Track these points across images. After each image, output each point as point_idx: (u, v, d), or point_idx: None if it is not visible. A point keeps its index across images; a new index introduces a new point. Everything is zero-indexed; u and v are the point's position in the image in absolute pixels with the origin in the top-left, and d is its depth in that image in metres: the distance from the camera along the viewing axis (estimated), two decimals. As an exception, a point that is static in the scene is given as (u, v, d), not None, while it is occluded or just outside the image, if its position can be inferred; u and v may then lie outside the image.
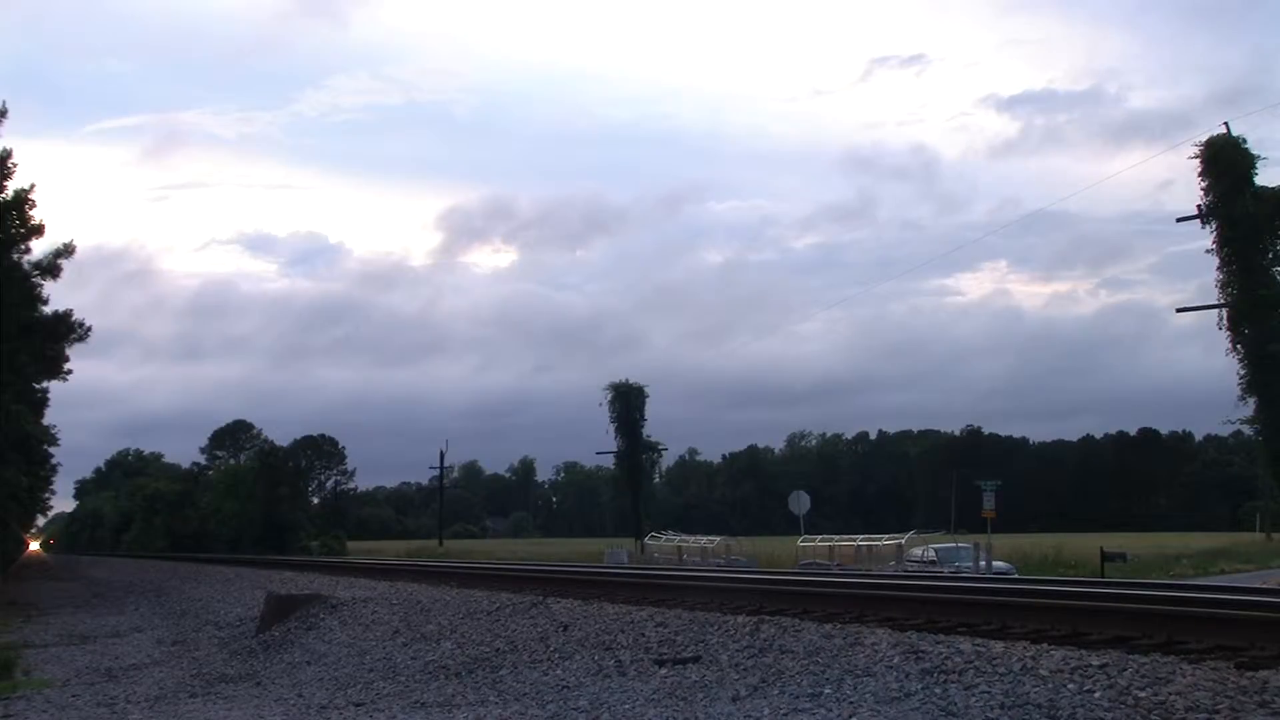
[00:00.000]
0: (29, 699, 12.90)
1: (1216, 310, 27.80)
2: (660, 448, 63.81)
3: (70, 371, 42.49)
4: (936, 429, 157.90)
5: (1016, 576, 23.69)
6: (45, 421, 50.45)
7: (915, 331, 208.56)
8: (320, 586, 22.89)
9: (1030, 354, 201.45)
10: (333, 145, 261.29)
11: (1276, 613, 8.14)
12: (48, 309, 38.00)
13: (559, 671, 10.60)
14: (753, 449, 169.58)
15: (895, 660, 8.41)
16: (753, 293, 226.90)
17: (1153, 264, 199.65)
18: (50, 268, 35.62)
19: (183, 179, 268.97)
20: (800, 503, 43.90)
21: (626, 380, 59.21)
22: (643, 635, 11.19)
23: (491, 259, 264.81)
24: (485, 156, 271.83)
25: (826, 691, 7.99)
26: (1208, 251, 27.95)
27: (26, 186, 33.28)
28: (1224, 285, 27.58)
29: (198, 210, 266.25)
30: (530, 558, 47.48)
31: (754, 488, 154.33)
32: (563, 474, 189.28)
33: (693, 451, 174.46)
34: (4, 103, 32.30)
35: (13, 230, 33.10)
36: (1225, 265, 27.56)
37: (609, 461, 64.51)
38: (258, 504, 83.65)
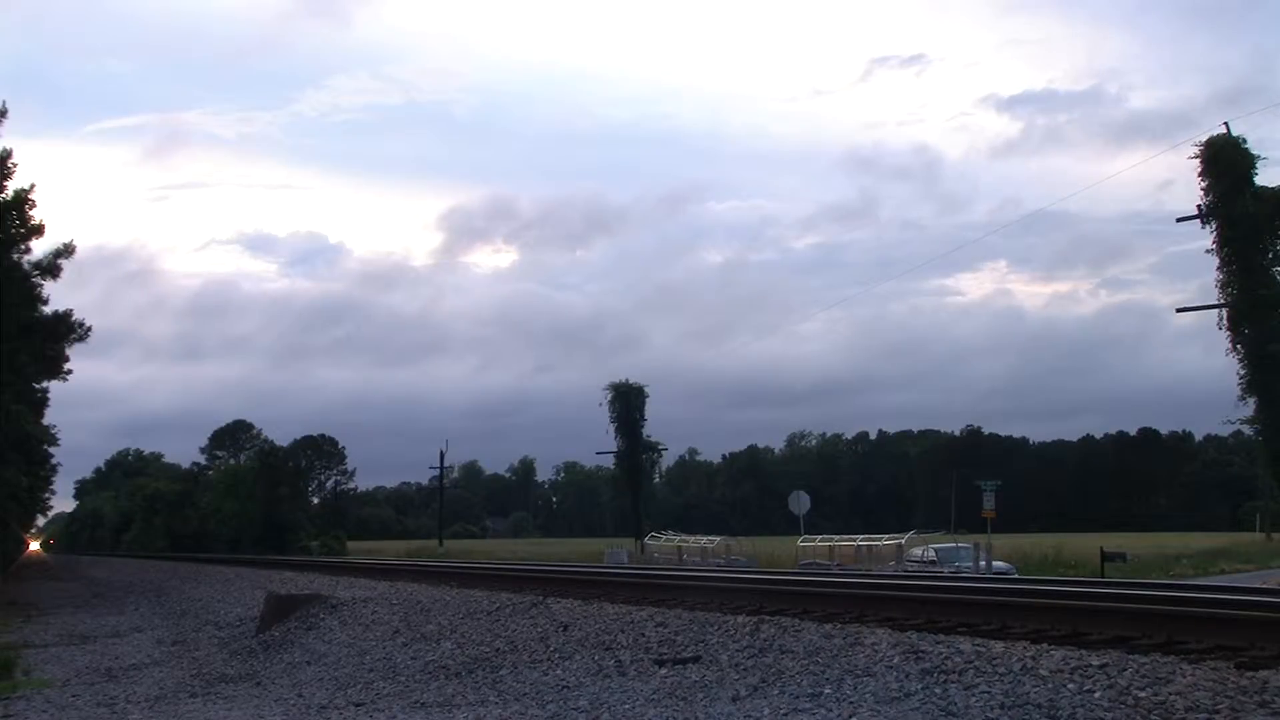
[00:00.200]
0: (29, 699, 12.90)
1: (1216, 310, 27.80)
2: (660, 448, 63.89)
3: (70, 371, 42.57)
4: (936, 429, 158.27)
5: (1016, 576, 23.70)
6: (45, 421, 50.52)
7: (915, 331, 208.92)
8: (320, 586, 22.89)
9: (1030, 354, 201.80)
10: (333, 145, 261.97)
11: (1276, 613, 8.13)
12: (48, 309, 38.04)
13: (559, 671, 10.60)
14: (753, 449, 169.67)
15: (895, 660, 8.41)
16: (753, 293, 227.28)
17: (1153, 264, 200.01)
18: (50, 268, 35.61)
19: (183, 179, 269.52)
20: (800, 503, 43.90)
21: (626, 380, 59.34)
22: (643, 635, 11.19)
23: (492, 259, 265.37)
24: (486, 156, 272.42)
25: (826, 691, 7.99)
26: (1208, 251, 27.99)
27: (26, 186, 33.34)
28: (1224, 285, 27.58)
29: (198, 210, 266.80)
30: (530, 558, 47.51)
31: (754, 488, 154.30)
32: (563, 474, 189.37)
33: (693, 451, 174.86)
34: (4, 103, 32.36)
35: (13, 230, 33.10)
36: (1225, 265, 27.56)
37: (609, 461, 64.58)
38: (258, 504, 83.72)
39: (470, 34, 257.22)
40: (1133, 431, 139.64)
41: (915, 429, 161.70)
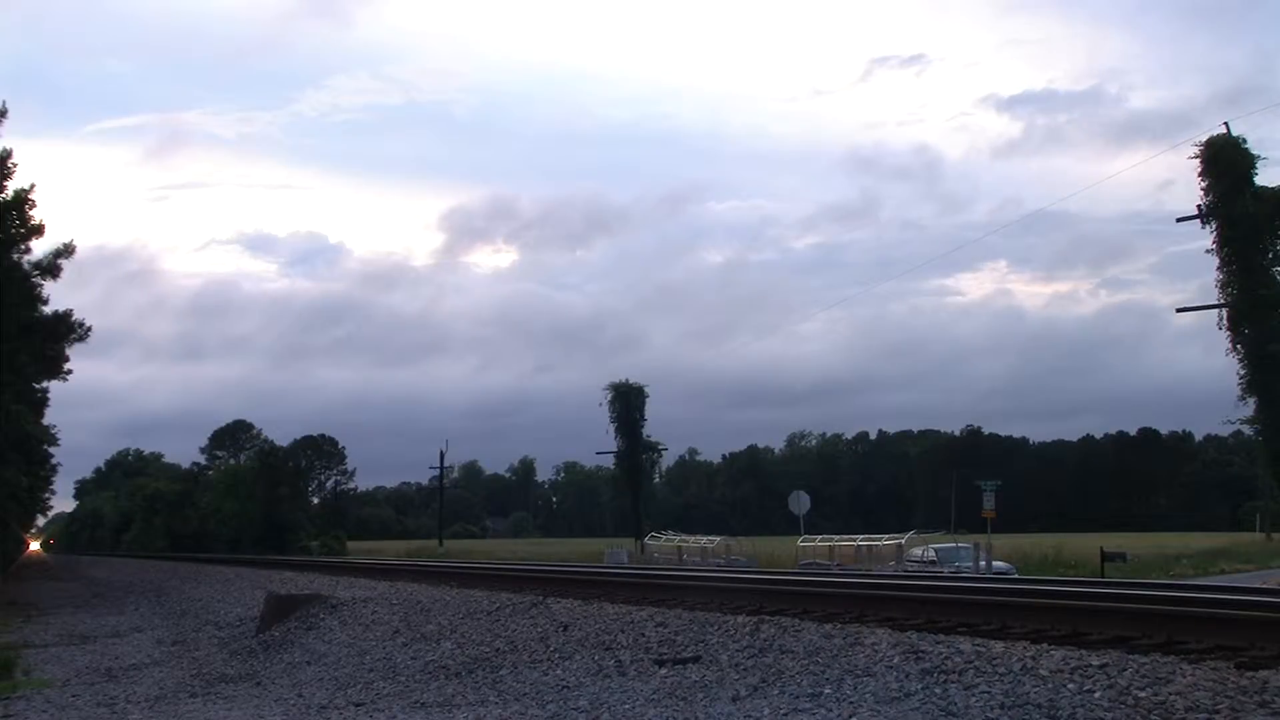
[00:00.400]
0: (29, 699, 12.90)
1: (1216, 310, 27.80)
2: (660, 448, 63.87)
3: (70, 371, 42.57)
4: (936, 429, 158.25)
5: (1016, 576, 23.70)
6: (45, 421, 50.52)
7: (915, 331, 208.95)
8: (320, 586, 22.89)
9: (1031, 354, 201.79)
10: (333, 145, 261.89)
11: (1276, 613, 8.13)
12: (48, 309, 38.04)
13: (559, 671, 10.60)
14: (753, 449, 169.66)
15: (895, 660, 8.41)
16: (753, 293, 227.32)
17: (1153, 264, 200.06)
18: (50, 268, 35.62)
19: (183, 179, 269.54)
20: (800, 503, 43.90)
21: (626, 380, 59.32)
22: (643, 635, 11.19)
23: (492, 259, 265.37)
24: (486, 156, 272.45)
25: (826, 691, 7.99)
26: (1208, 251, 27.98)
27: (26, 186, 33.34)
28: (1224, 285, 27.57)
29: (198, 210, 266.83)
30: (530, 558, 47.51)
31: (754, 488, 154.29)
32: (563, 474, 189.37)
33: (693, 451, 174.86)
34: (4, 103, 32.37)
35: (13, 230, 33.10)
36: (1225, 265, 27.55)
37: (609, 461, 64.56)
38: (258, 504, 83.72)
39: (470, 34, 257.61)
40: (1133, 431, 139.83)
41: (915, 429, 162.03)
